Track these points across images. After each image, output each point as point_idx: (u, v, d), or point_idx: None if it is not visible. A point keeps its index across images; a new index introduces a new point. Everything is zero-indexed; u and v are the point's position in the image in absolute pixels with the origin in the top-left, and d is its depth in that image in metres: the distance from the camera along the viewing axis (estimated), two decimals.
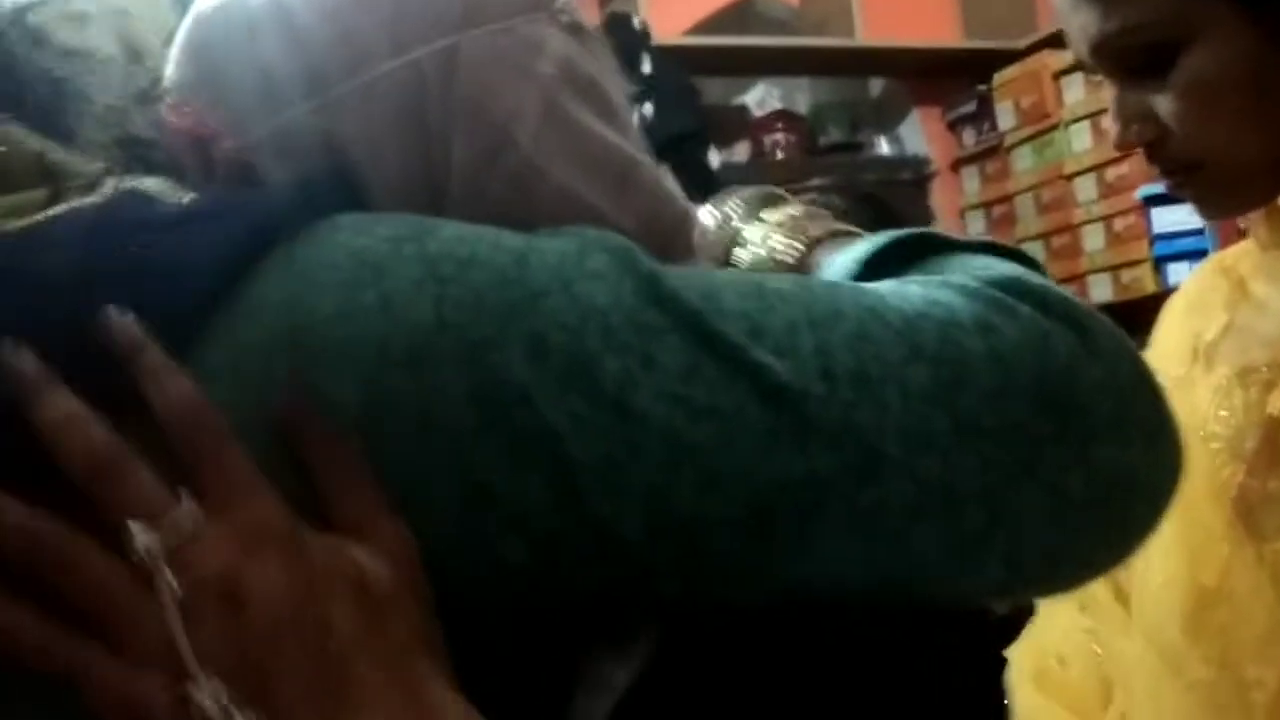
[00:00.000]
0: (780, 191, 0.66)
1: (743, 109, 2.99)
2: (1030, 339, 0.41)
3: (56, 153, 0.45)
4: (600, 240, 0.42)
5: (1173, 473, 0.44)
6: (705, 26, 2.73)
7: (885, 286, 0.44)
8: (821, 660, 0.45)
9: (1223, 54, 0.68)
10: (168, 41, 0.54)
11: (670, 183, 0.55)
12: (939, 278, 0.44)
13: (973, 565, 0.41)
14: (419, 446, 0.38)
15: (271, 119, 0.48)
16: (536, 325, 0.38)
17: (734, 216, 0.64)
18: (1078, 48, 0.74)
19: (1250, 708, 0.73)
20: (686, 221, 0.55)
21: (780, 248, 0.59)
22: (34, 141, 0.45)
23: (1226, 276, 0.80)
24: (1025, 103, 2.78)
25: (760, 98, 3.00)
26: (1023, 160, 2.84)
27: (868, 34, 2.76)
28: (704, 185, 0.63)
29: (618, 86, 0.54)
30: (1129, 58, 0.71)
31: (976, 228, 2.99)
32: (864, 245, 0.50)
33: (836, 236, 0.58)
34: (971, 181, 3.02)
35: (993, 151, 2.93)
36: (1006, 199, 2.89)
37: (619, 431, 0.38)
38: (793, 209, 0.62)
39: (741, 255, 0.63)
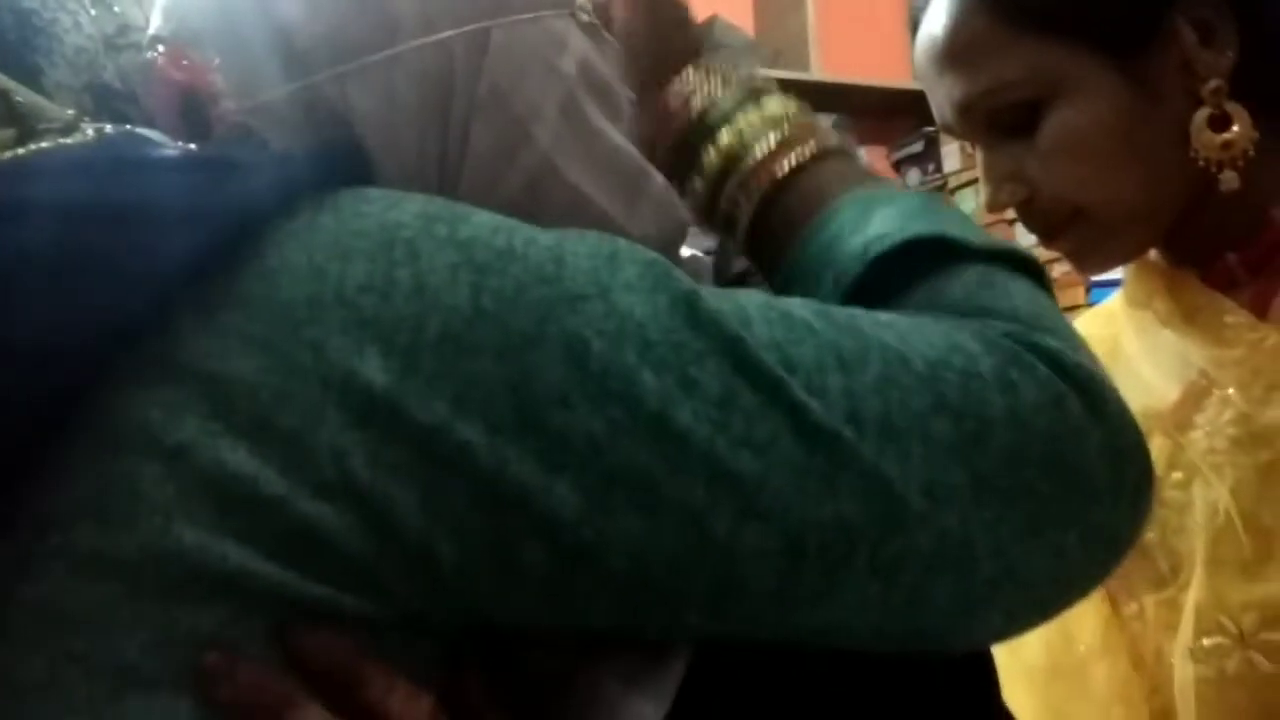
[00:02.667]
0: (769, 81, 0.59)
1: None
2: (1046, 401, 0.41)
3: (22, 93, 0.41)
4: (630, 251, 0.40)
5: (1142, 526, 0.45)
6: None
7: (906, 322, 0.43)
8: (842, 699, 0.44)
9: (1091, 106, 0.69)
10: None
11: (673, 193, 0.54)
12: (954, 320, 0.44)
13: (979, 616, 0.42)
14: (448, 433, 0.35)
15: (283, 83, 0.45)
16: (575, 327, 0.37)
17: (718, 93, 0.57)
18: (943, 115, 0.74)
19: None
20: (685, 234, 0.54)
21: (764, 151, 0.54)
22: None
23: (1109, 326, 0.81)
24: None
25: None
26: (966, 202, 2.87)
27: (823, 69, 2.78)
28: None
29: (624, 92, 0.53)
30: (996, 118, 0.71)
31: None
32: (878, 232, 0.47)
33: (832, 157, 0.55)
34: None
35: (936, 192, 2.96)
36: None
37: (660, 447, 0.37)
38: (786, 105, 0.56)
39: (720, 143, 0.55)
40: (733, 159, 0.54)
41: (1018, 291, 0.46)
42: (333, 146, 0.44)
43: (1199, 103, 0.68)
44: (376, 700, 0.36)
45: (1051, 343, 0.43)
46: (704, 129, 0.56)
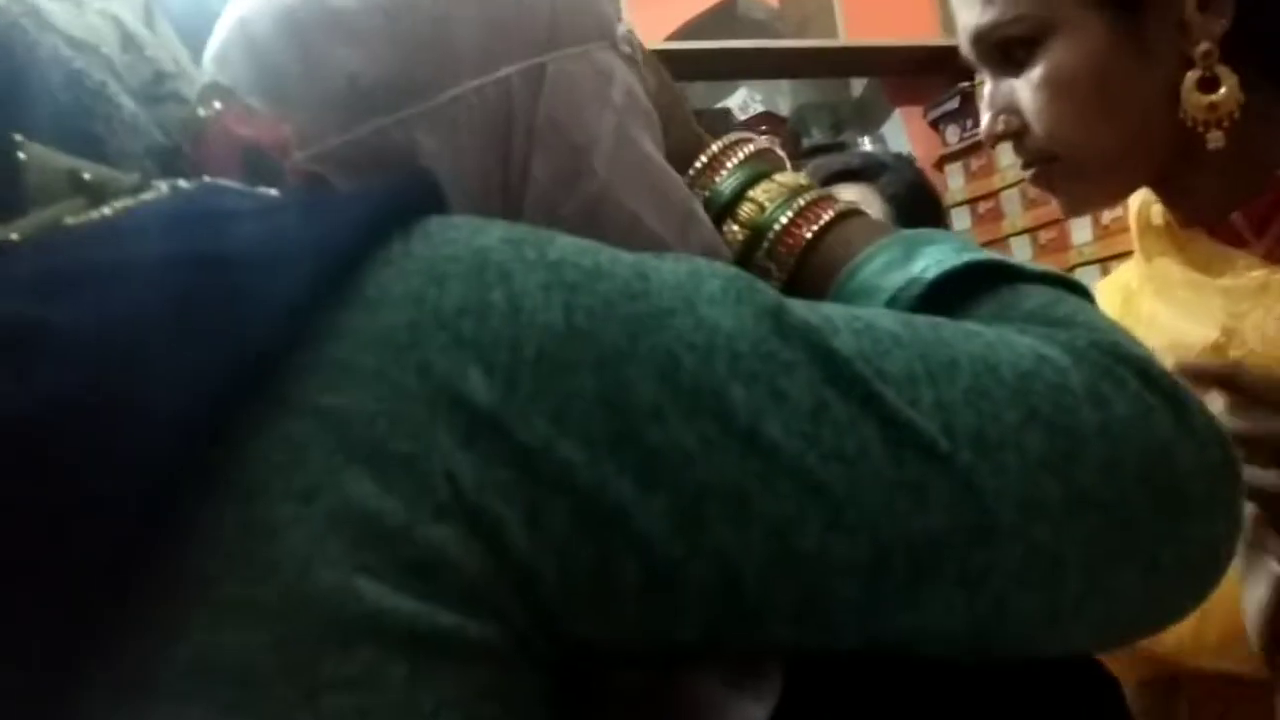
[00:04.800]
0: (775, 151, 0.61)
1: (726, 112, 2.98)
2: (1137, 414, 0.41)
3: (90, 169, 0.40)
4: (710, 266, 0.40)
5: (1235, 541, 0.45)
6: (688, 31, 2.71)
7: (991, 332, 0.42)
8: (943, 698, 0.44)
9: (1076, 49, 0.72)
10: (149, 25, 0.50)
11: (713, 227, 0.55)
12: (1044, 330, 0.43)
13: (1065, 629, 0.41)
14: (549, 452, 0.35)
15: (351, 129, 0.46)
16: (666, 342, 0.37)
17: (729, 172, 0.59)
18: (963, 44, 0.79)
19: None
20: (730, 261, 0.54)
21: (784, 223, 0.55)
22: (62, 159, 0.40)
23: (1120, 292, 0.84)
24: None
25: (743, 101, 2.99)
26: (1007, 156, 2.82)
27: (849, 33, 2.74)
28: None
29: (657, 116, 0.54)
30: (1002, 51, 0.76)
31: (962, 224, 2.98)
32: (927, 263, 0.48)
33: (847, 219, 0.55)
34: (956, 178, 3.01)
35: (976, 148, 2.91)
36: (992, 195, 2.88)
37: (750, 462, 0.36)
38: (792, 177, 0.58)
39: (741, 217, 0.57)
40: (757, 230, 0.56)
41: (1087, 308, 0.46)
42: (410, 179, 0.43)
43: (1190, 64, 0.70)
44: None
45: (1137, 352, 0.43)
46: (723, 206, 0.57)
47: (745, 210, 0.56)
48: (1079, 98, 0.73)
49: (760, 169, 0.58)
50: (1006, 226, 2.82)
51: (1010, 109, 0.76)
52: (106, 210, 0.39)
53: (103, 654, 0.33)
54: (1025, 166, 0.79)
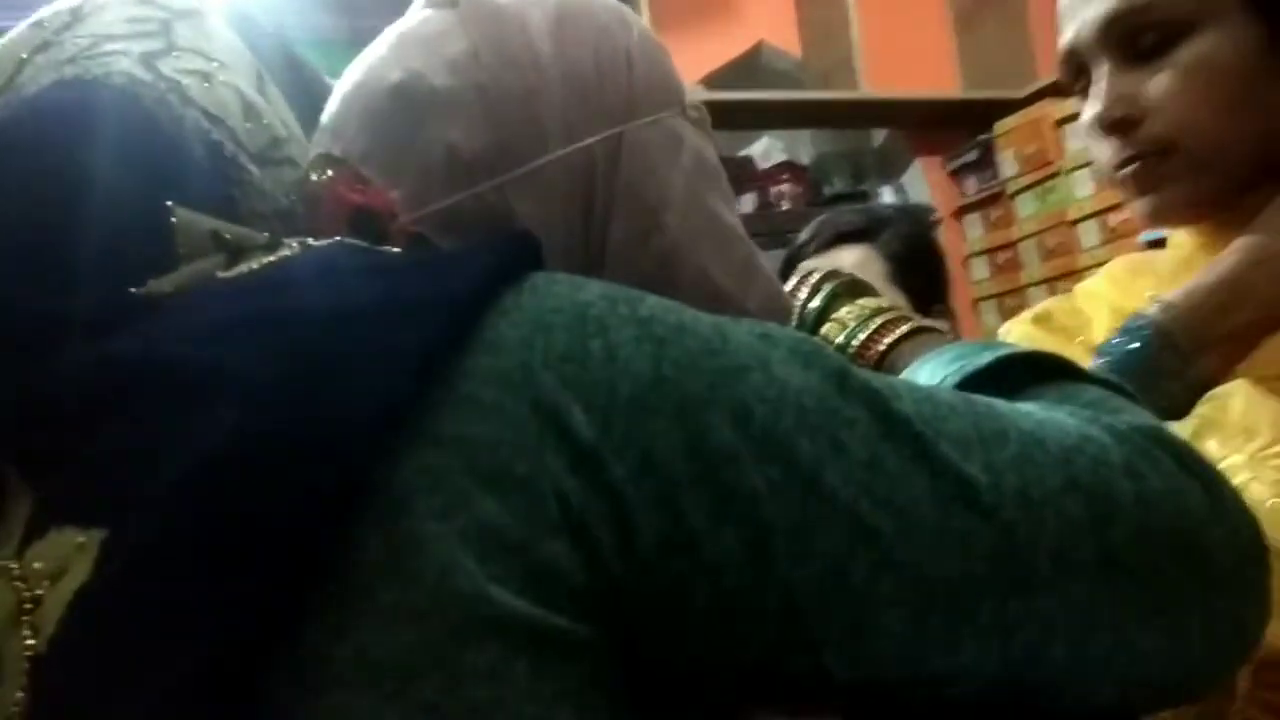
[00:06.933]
0: (857, 278, 0.70)
1: (748, 160, 3.03)
2: (1170, 490, 0.45)
3: (230, 230, 0.45)
4: (780, 330, 0.46)
5: (1265, 623, 0.48)
6: (712, 81, 2.77)
7: (1042, 413, 0.47)
8: None
9: (1225, 43, 0.73)
10: (261, 91, 0.55)
11: (776, 279, 0.62)
12: (1089, 412, 0.48)
13: (1091, 683, 0.45)
14: (636, 483, 0.40)
15: (452, 194, 0.51)
16: (742, 394, 0.42)
17: (808, 299, 0.70)
18: (1084, 32, 0.78)
19: None
20: (791, 310, 0.60)
21: (862, 339, 0.65)
22: (206, 221, 0.45)
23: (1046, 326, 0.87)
24: (1027, 151, 2.83)
25: (765, 150, 3.04)
26: (1025, 207, 2.88)
27: (870, 85, 2.80)
28: None
29: (724, 173, 0.60)
30: (1138, 35, 0.76)
31: (981, 274, 3.03)
32: (983, 359, 0.54)
33: (919, 334, 0.64)
34: (975, 228, 3.06)
35: (995, 199, 2.97)
36: (1010, 245, 2.93)
37: (810, 504, 0.41)
38: (874, 300, 0.67)
39: (827, 336, 0.68)
40: (840, 347, 0.65)
41: (1135, 407, 0.51)
42: (514, 239, 0.49)
43: None
44: None
45: (1177, 439, 0.47)
46: (811, 325, 0.67)
47: (830, 330, 0.66)
48: (1219, 89, 0.73)
49: (840, 292, 0.69)
50: (1024, 277, 2.86)
51: (1132, 99, 0.76)
52: (254, 264, 0.44)
53: (282, 647, 0.38)
54: (1126, 163, 0.77)
